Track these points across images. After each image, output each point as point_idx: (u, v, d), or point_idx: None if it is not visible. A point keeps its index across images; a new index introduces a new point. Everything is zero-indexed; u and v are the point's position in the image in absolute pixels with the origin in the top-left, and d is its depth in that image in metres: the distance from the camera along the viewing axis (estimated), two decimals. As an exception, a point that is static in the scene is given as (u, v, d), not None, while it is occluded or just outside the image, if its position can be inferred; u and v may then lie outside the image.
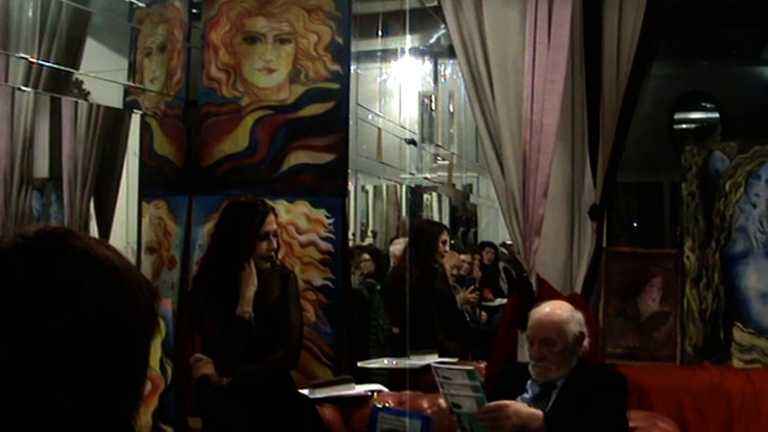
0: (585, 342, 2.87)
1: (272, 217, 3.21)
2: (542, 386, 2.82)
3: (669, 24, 5.31)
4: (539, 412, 2.63)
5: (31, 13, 4.04)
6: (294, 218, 4.06)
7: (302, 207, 4.08)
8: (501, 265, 7.25)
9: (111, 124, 4.28)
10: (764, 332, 3.81)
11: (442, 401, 2.82)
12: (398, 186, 7.40)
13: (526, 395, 2.84)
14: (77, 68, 4.31)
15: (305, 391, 3.43)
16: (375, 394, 3.64)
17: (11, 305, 0.84)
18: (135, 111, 4.45)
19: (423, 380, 3.82)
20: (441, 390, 2.79)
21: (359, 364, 4.24)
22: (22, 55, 3.82)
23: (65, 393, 0.83)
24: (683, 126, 6.72)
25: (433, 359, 4.26)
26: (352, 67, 4.45)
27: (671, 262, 3.94)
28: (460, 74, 4.09)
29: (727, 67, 6.69)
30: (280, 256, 3.39)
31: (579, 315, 2.87)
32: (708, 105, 6.65)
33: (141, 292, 0.90)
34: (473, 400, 2.68)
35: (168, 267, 4.28)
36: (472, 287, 5.44)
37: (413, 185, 7.25)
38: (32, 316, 0.83)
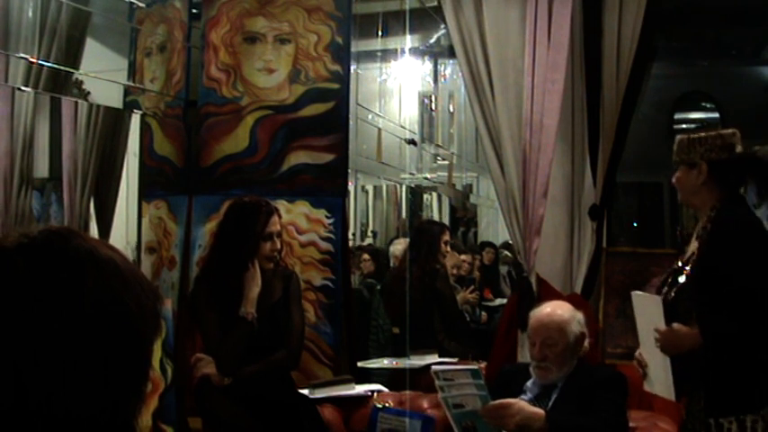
0: (586, 342, 2.87)
1: (275, 218, 3.20)
2: (542, 386, 2.82)
3: (669, 24, 5.31)
4: (541, 411, 2.64)
5: (31, 13, 4.03)
6: (294, 218, 4.06)
7: (302, 207, 4.08)
8: (505, 269, 7.24)
9: (111, 124, 4.28)
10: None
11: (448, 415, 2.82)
12: (398, 186, 7.40)
13: (526, 396, 2.84)
14: (77, 68, 4.31)
15: (305, 391, 3.43)
16: (375, 394, 3.64)
17: (13, 304, 0.84)
18: (135, 111, 4.45)
19: (423, 380, 3.81)
20: (440, 394, 2.78)
21: (359, 364, 4.24)
22: (22, 55, 3.82)
23: (65, 393, 0.83)
24: (683, 126, 6.72)
25: (433, 359, 4.26)
26: (352, 67, 4.45)
27: (671, 262, 3.93)
28: (460, 74, 4.09)
29: (727, 67, 6.70)
30: (282, 255, 3.40)
31: (580, 315, 2.87)
32: (708, 105, 6.66)
33: (144, 294, 0.91)
34: (477, 398, 2.68)
35: (168, 267, 4.28)
36: (472, 287, 5.43)
37: (413, 185, 7.25)
38: (34, 315, 0.83)
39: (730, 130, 2.69)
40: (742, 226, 2.53)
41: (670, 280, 2.71)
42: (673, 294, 2.64)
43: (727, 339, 2.46)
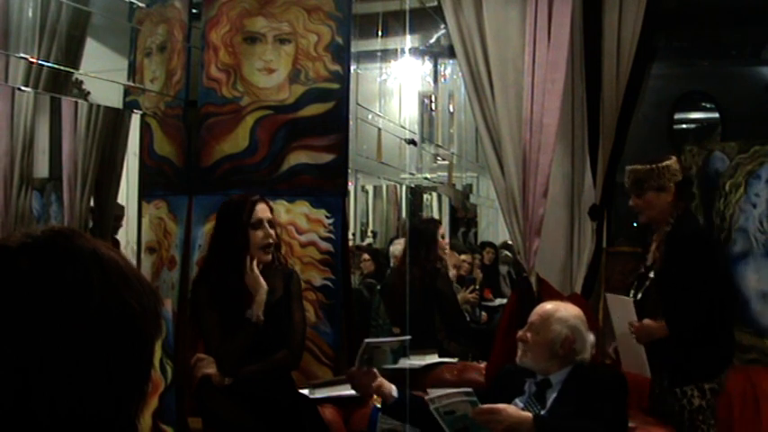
0: (585, 354, 2.84)
1: (263, 205, 3.21)
2: (538, 384, 2.83)
3: (669, 24, 5.31)
4: (529, 415, 2.66)
5: (31, 13, 4.03)
6: (294, 218, 4.06)
7: (302, 207, 4.08)
8: (505, 269, 7.24)
9: (111, 124, 4.27)
10: (764, 332, 3.81)
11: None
12: (398, 186, 7.39)
13: (524, 395, 2.85)
14: (77, 68, 4.30)
15: (305, 391, 3.43)
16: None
17: (17, 303, 0.84)
18: (135, 111, 4.45)
19: (423, 380, 3.81)
20: (430, 405, 2.75)
21: (359, 364, 4.23)
22: (22, 55, 3.81)
23: (69, 391, 0.84)
24: (683, 126, 6.72)
25: (433, 359, 4.26)
26: (352, 67, 4.45)
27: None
28: (460, 74, 4.09)
29: (727, 67, 6.68)
30: (282, 253, 3.40)
31: (577, 322, 2.85)
32: (708, 105, 6.65)
33: (145, 294, 0.91)
34: (468, 404, 2.70)
35: (168, 267, 4.28)
36: (472, 287, 5.43)
37: (413, 185, 7.24)
38: (38, 314, 0.84)
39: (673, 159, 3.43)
40: (694, 239, 3.27)
41: (637, 283, 3.44)
42: (640, 295, 3.38)
43: (688, 329, 3.16)
